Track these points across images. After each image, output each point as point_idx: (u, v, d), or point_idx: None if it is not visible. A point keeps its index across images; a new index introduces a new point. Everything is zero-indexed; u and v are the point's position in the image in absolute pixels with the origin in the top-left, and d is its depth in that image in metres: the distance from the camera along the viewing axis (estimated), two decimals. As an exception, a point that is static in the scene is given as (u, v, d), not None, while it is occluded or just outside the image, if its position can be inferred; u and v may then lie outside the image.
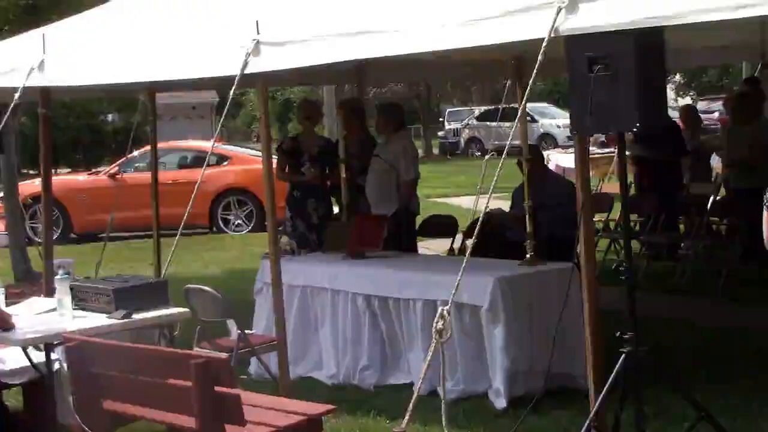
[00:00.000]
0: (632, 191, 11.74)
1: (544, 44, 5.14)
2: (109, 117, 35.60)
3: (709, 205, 11.71)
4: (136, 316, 6.23)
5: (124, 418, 5.51)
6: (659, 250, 12.05)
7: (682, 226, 12.50)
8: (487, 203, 6.15)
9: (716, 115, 32.56)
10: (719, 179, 12.42)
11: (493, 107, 35.97)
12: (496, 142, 18.66)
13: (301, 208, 10.17)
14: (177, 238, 7.01)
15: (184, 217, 6.95)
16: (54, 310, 6.32)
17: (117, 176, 18.53)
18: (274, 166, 9.47)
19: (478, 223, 5.86)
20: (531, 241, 7.60)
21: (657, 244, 11.89)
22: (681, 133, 12.24)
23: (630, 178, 10.94)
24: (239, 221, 18.93)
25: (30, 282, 10.77)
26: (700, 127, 14.17)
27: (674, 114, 16.63)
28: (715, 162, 13.60)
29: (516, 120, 6.39)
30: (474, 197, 13.13)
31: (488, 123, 37.28)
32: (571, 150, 6.41)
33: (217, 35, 6.95)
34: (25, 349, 6.17)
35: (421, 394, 5.82)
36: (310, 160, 10.14)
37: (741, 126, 11.34)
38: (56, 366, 6.24)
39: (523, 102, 6.43)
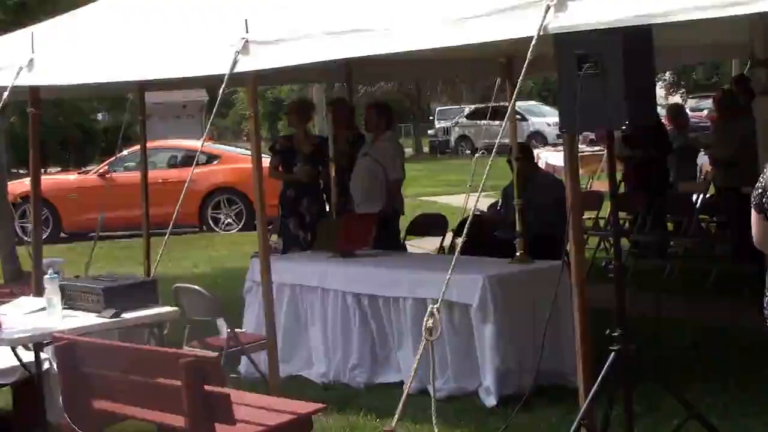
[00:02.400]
0: (621, 189, 11.76)
1: (533, 43, 5.14)
2: (99, 116, 35.57)
3: (698, 204, 11.75)
4: (126, 316, 6.21)
5: (113, 417, 5.50)
6: (648, 249, 12.07)
7: (670, 225, 12.53)
8: (477, 201, 6.15)
9: (705, 112, 32.69)
10: (708, 177, 12.45)
11: (483, 106, 36.02)
12: (486, 141, 18.70)
13: (295, 207, 10.16)
14: (167, 237, 7.00)
15: (174, 216, 6.94)
16: (43, 309, 6.29)
17: (107, 175, 18.51)
18: (266, 165, 9.46)
19: (467, 222, 5.86)
20: (520, 240, 7.61)
21: (646, 243, 11.91)
22: (665, 131, 12.24)
23: (618, 176, 10.97)
24: (229, 220, 18.92)
25: (19, 282, 10.74)
26: (688, 125, 14.21)
27: (663, 112, 16.67)
28: (704, 160, 13.63)
29: (505, 118, 6.41)
30: (464, 196, 13.15)
31: (478, 121, 37.33)
32: (561, 148, 6.42)
33: (207, 34, 6.94)
34: (14, 349, 6.16)
35: (411, 393, 5.81)
36: (303, 159, 10.13)
37: (727, 124, 11.36)
38: (46, 365, 6.23)
39: (513, 100, 6.43)
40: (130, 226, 16.44)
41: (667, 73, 45.14)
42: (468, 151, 38.13)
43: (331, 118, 10.37)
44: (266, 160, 9.30)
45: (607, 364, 5.35)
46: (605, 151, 12.81)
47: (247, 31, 6.49)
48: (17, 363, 6.24)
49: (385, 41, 5.86)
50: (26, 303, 6.82)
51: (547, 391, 6.81)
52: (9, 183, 13.77)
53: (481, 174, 5.86)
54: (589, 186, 15.01)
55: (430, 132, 46.05)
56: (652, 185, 11.80)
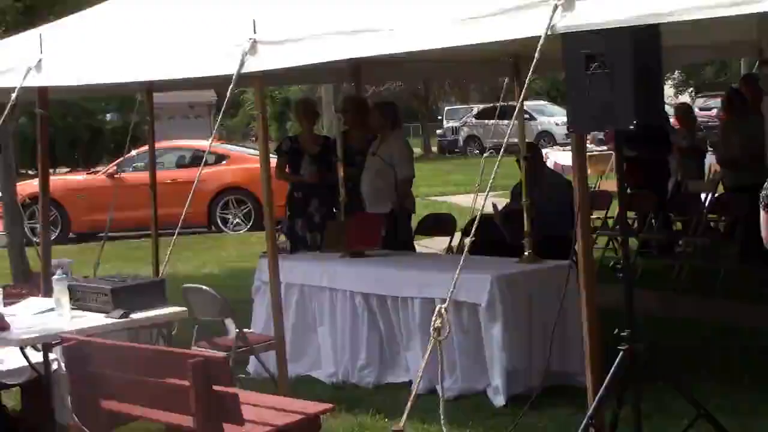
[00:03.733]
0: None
1: (540, 42, 5.13)
2: (107, 116, 35.60)
3: (707, 203, 11.72)
4: (134, 316, 6.22)
5: (122, 417, 5.51)
6: (654, 248, 12.05)
7: (678, 224, 12.51)
8: (485, 201, 6.15)
9: (714, 111, 32.68)
10: (716, 177, 12.42)
11: (491, 105, 35.99)
12: (495, 140, 18.68)
13: (304, 208, 10.13)
14: (175, 237, 7.00)
15: (182, 216, 6.94)
16: (52, 309, 6.31)
17: (115, 176, 18.51)
18: (273, 165, 9.44)
19: (476, 221, 5.85)
20: (529, 239, 7.60)
21: (654, 242, 11.88)
22: (665, 130, 12.19)
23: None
24: (238, 220, 18.95)
25: (28, 282, 10.76)
26: (695, 125, 14.17)
27: (671, 111, 16.64)
28: (712, 160, 13.60)
29: (513, 118, 6.40)
30: (472, 195, 13.14)
31: (487, 121, 37.28)
32: (570, 148, 6.44)
33: (215, 34, 6.95)
34: (23, 349, 6.17)
35: (419, 393, 5.82)
36: (310, 159, 10.11)
37: (736, 123, 11.34)
38: (54, 366, 6.24)
39: (521, 100, 6.42)
40: (138, 227, 16.47)
41: (676, 71, 45.10)
42: (476, 151, 38.12)
43: (346, 117, 10.32)
44: (273, 161, 9.29)
45: (615, 363, 5.34)
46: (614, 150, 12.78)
47: (254, 32, 6.50)
48: (26, 363, 6.25)
49: (392, 41, 5.86)
50: (35, 303, 6.83)
51: (556, 391, 6.80)
52: (18, 184, 13.81)
53: (490, 173, 5.85)
54: (597, 186, 14.99)
55: (438, 132, 46.04)
56: (653, 185, 11.76)
